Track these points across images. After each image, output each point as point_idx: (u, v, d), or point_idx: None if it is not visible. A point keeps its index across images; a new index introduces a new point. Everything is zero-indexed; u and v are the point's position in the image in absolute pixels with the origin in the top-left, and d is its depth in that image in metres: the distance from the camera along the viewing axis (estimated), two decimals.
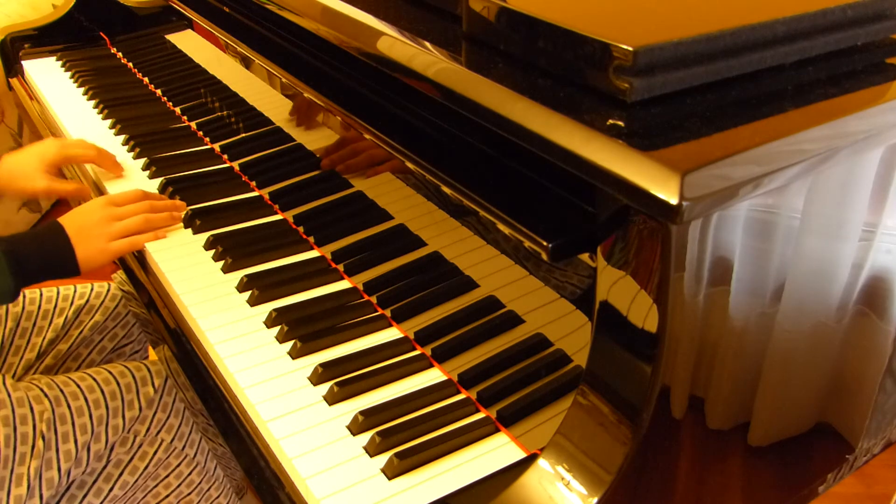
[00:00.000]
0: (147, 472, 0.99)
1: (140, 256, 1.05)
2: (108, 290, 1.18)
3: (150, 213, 1.05)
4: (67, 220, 1.01)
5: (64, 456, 0.91)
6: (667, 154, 0.53)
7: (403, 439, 0.74)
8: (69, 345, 1.12)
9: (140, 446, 0.98)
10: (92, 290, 1.17)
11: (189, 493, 1.03)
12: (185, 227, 1.07)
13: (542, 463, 0.64)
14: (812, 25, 0.65)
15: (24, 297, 1.12)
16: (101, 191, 1.20)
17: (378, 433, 0.74)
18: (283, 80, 1.01)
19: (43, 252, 0.97)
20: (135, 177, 1.22)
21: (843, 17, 0.67)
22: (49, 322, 1.12)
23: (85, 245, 0.99)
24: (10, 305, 1.10)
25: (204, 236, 1.04)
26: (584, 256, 0.65)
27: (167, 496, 1.01)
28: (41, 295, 1.13)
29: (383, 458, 0.72)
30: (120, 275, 1.19)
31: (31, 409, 0.90)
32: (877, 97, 0.63)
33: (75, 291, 1.16)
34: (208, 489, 1.04)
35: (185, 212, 1.09)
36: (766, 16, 0.62)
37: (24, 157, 1.16)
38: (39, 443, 0.89)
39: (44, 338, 1.11)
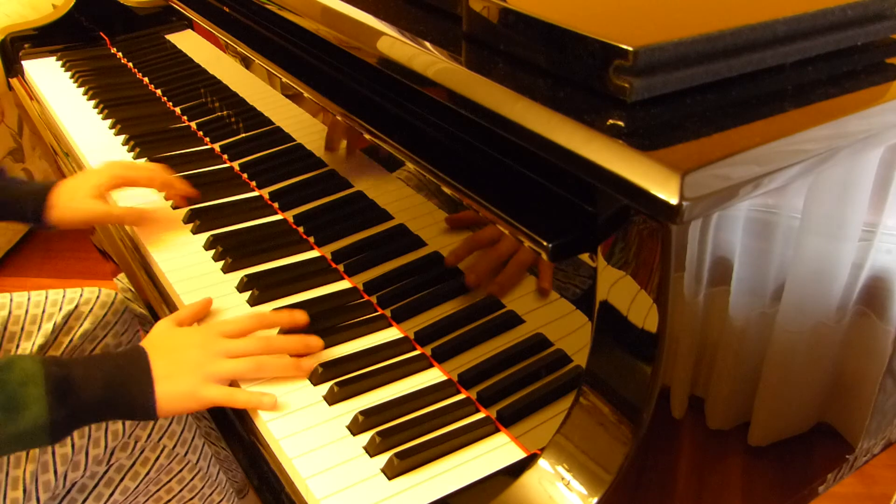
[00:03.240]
0: (149, 478, 0.98)
1: (140, 256, 1.05)
2: (98, 297, 1.07)
3: (266, 356, 0.81)
4: (155, 344, 0.79)
5: (60, 459, 0.90)
6: (667, 154, 0.53)
7: (403, 439, 0.74)
8: (60, 352, 1.06)
9: (142, 452, 0.97)
10: (81, 295, 1.07)
11: (191, 499, 1.02)
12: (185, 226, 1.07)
13: (542, 463, 0.64)
14: (812, 25, 0.65)
15: (11, 300, 1.04)
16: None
17: (378, 433, 0.74)
18: (283, 80, 1.01)
19: (109, 381, 0.74)
20: None
21: (843, 17, 0.67)
22: (38, 327, 1.04)
23: (172, 382, 0.76)
24: None
25: (204, 236, 1.04)
26: (584, 256, 0.65)
27: (169, 501, 1.01)
28: (29, 299, 1.06)
29: (383, 458, 0.72)
30: (123, 278, 1.18)
31: None
32: (877, 97, 0.63)
33: (64, 296, 1.07)
34: (211, 494, 1.04)
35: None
36: (766, 16, 0.62)
37: (74, 182, 1.07)
38: None
39: (33, 342, 1.04)
